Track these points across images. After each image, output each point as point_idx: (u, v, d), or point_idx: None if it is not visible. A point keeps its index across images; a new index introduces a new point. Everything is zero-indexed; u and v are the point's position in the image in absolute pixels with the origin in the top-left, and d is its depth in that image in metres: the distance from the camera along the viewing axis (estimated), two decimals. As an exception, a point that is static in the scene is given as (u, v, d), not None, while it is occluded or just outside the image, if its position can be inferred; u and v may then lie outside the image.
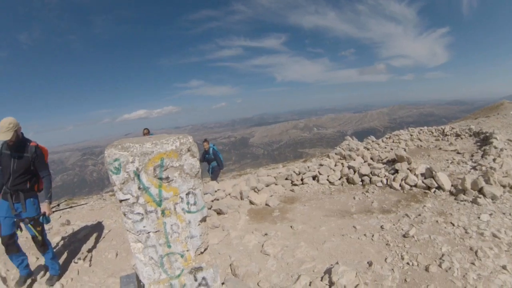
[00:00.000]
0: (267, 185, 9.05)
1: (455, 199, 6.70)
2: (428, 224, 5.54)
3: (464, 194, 6.65)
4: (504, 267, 3.98)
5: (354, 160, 9.93)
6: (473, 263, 4.16)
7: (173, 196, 2.49)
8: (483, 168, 8.29)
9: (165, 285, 2.60)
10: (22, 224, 4.47)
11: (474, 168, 8.90)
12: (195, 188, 2.57)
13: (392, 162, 9.19)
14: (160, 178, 2.41)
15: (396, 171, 8.48)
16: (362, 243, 5.26)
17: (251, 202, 8.09)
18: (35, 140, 4.49)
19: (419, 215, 5.99)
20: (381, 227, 5.76)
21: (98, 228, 7.03)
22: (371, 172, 8.88)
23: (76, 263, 5.47)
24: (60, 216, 7.90)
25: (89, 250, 5.86)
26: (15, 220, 4.43)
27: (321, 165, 9.90)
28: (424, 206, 6.45)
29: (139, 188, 2.38)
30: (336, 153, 10.97)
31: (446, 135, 16.40)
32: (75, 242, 6.24)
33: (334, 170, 9.59)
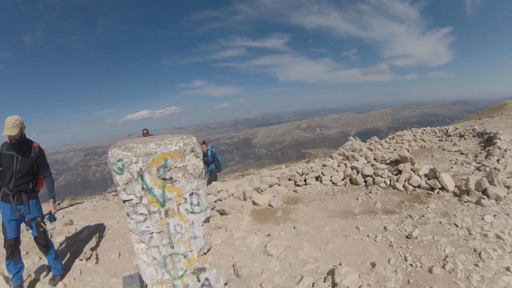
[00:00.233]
0: (270, 186, 9.04)
1: (458, 200, 6.67)
2: (432, 225, 5.52)
3: (468, 195, 6.63)
4: (507, 269, 3.97)
5: (357, 160, 9.90)
6: (476, 265, 4.15)
7: (176, 197, 2.49)
8: (487, 168, 8.27)
9: (168, 286, 2.60)
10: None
11: (478, 168, 8.87)
12: (199, 189, 2.57)
13: (396, 162, 9.16)
14: (164, 179, 2.41)
15: (400, 172, 8.45)
16: (365, 244, 5.25)
17: (254, 203, 8.09)
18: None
19: (423, 216, 5.98)
20: (385, 228, 5.75)
21: (101, 228, 7.04)
22: (374, 173, 8.87)
23: (82, 260, 5.50)
24: (63, 216, 7.92)
25: (92, 250, 5.87)
26: (26, 220, 4.42)
27: (324, 165, 9.88)
28: (428, 207, 6.43)
29: (142, 188, 2.38)
30: (339, 154, 10.95)
31: (450, 135, 16.36)
32: (78, 242, 6.25)
33: (337, 171, 9.57)
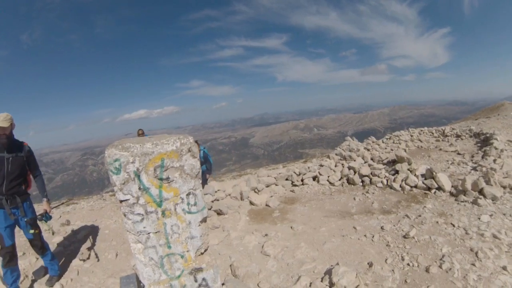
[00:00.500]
0: (268, 186, 9.05)
1: (455, 200, 6.69)
2: (429, 225, 5.54)
3: (464, 195, 6.65)
4: (504, 268, 3.98)
5: (355, 160, 9.92)
6: (473, 264, 4.16)
7: (173, 197, 2.49)
8: (484, 169, 8.29)
9: (165, 286, 2.60)
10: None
11: (474, 169, 8.90)
12: (196, 189, 2.57)
13: (393, 162, 9.18)
14: (161, 179, 2.41)
15: (397, 172, 8.47)
16: (362, 244, 5.26)
17: (251, 203, 8.09)
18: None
19: (420, 216, 6.00)
20: (382, 228, 5.76)
21: (98, 228, 7.03)
22: (371, 173, 8.88)
23: (82, 260, 5.49)
24: (60, 216, 7.90)
25: (89, 250, 5.85)
26: (26, 220, 4.32)
27: (321, 165, 9.89)
28: (425, 207, 6.45)
29: (139, 188, 2.38)
30: (336, 154, 10.97)
31: (447, 136, 16.40)
32: (75, 242, 6.24)
33: (334, 171, 9.59)
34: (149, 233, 2.48)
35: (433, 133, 17.35)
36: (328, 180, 9.30)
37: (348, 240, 5.52)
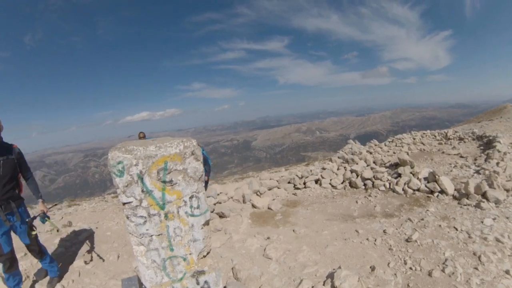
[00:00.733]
0: (270, 189, 9.04)
1: (458, 203, 6.67)
2: (431, 228, 5.51)
3: (467, 199, 6.63)
4: (507, 272, 3.96)
5: (357, 164, 9.92)
6: (476, 268, 4.14)
7: (176, 200, 2.50)
8: (487, 172, 8.28)
9: (167, 289, 2.60)
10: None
11: (477, 172, 8.88)
12: (199, 192, 2.58)
13: (395, 166, 9.18)
14: (164, 181, 2.42)
15: (399, 175, 8.46)
16: (364, 248, 5.25)
17: (253, 206, 8.09)
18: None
19: (422, 219, 5.97)
20: (384, 231, 5.74)
21: (100, 230, 7.05)
22: (373, 176, 8.86)
23: (85, 262, 5.48)
24: (62, 218, 7.92)
25: (91, 252, 5.86)
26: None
27: (323, 168, 9.89)
28: (427, 210, 6.43)
29: (142, 191, 2.38)
30: (338, 157, 10.97)
31: (449, 138, 16.36)
32: (76, 244, 6.25)
33: (336, 174, 9.58)
34: (151, 236, 2.49)
35: (435, 136, 17.31)
36: (330, 183, 9.29)
37: (350, 243, 5.50)
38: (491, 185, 6.69)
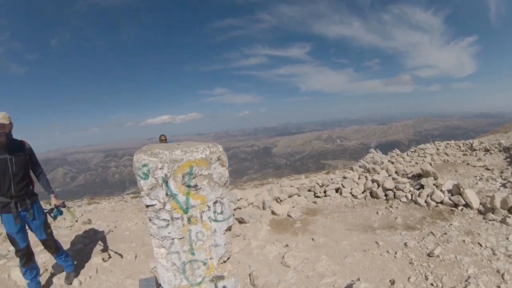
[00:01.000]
0: (290, 196, 9.02)
1: (483, 218, 6.49)
2: (455, 243, 5.39)
3: (493, 213, 6.44)
4: (533, 293, 3.84)
5: (378, 173, 9.79)
6: (499, 287, 4.03)
7: (200, 204, 2.50)
8: (514, 186, 8.04)
9: (185, 292, 2.62)
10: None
11: (504, 185, 8.64)
12: (223, 197, 2.59)
13: (418, 177, 9.01)
14: (189, 186, 2.43)
15: (422, 187, 8.29)
16: (384, 260, 5.17)
17: (273, 212, 8.09)
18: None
19: (445, 233, 5.84)
20: (405, 244, 5.64)
21: (118, 229, 7.16)
22: (395, 187, 8.73)
23: (103, 260, 5.58)
24: (82, 215, 8.09)
25: (109, 250, 5.96)
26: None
27: (344, 177, 9.80)
28: (451, 224, 6.28)
29: (166, 194, 2.39)
30: (360, 166, 10.85)
31: (475, 149, 15.96)
32: (95, 241, 6.36)
33: (357, 183, 9.48)
34: (173, 239, 2.50)
35: (460, 147, 16.92)
36: (351, 193, 9.21)
37: (370, 255, 5.43)
38: (518, 200, 6.49)
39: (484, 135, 27.44)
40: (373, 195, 8.93)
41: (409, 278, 4.52)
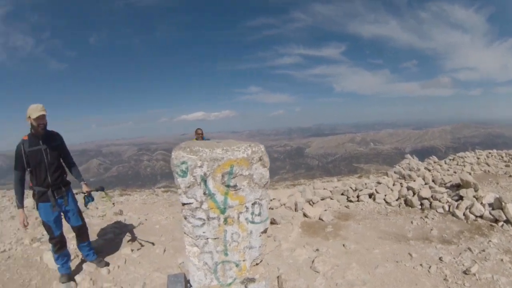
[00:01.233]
0: (322, 199, 8.94)
1: (525, 236, 6.17)
2: (492, 262, 5.14)
3: (536, 232, 6.13)
4: None
5: (414, 181, 9.50)
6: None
7: (238, 205, 2.48)
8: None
9: (214, 292, 2.63)
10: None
11: (549, 202, 8.18)
12: (262, 199, 2.56)
13: (456, 187, 8.67)
14: (228, 186, 2.40)
15: (461, 198, 7.95)
16: (417, 274, 5.02)
17: (305, 215, 8.05)
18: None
19: (483, 250, 5.57)
20: (440, 258, 5.44)
21: (149, 222, 7.33)
22: (432, 196, 8.42)
23: (132, 250, 5.73)
24: (114, 205, 8.32)
25: (138, 241, 6.12)
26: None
27: (378, 183, 9.60)
28: (490, 241, 5.98)
29: (204, 193, 2.38)
30: (395, 172, 10.61)
31: (518, 161, 15.18)
32: (125, 232, 6.56)
33: (392, 190, 9.25)
34: (207, 239, 2.49)
35: (502, 157, 16.11)
36: (384, 199, 9.00)
37: (402, 267, 5.29)
38: None
39: (529, 146, 26.11)
40: (407, 203, 8.67)
41: (443, 295, 4.38)
